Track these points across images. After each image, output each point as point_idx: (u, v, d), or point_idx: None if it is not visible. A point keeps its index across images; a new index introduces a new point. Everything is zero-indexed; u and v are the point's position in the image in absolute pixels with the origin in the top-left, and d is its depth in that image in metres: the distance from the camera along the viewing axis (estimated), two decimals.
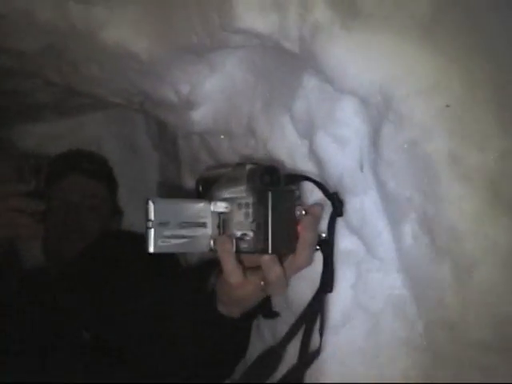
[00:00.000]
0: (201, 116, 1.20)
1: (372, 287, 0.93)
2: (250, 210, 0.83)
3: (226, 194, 0.87)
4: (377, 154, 0.87)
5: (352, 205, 0.93)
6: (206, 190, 0.92)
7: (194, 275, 1.05)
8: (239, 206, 0.85)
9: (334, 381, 0.92)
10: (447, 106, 0.77)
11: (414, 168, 0.80)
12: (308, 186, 0.98)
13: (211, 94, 1.16)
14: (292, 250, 0.84)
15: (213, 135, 1.24)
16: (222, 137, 1.18)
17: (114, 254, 1.38)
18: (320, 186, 0.90)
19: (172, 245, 0.82)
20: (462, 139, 0.77)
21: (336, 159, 0.95)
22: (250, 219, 0.82)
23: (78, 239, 1.48)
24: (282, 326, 1.06)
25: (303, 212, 0.85)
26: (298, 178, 0.90)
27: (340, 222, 0.94)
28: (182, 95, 1.18)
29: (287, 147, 1.05)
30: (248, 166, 0.85)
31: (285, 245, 0.82)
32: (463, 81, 0.77)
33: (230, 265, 0.85)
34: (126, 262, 1.28)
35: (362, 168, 0.95)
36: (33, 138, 1.83)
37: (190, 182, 1.46)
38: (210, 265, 0.97)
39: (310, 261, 0.86)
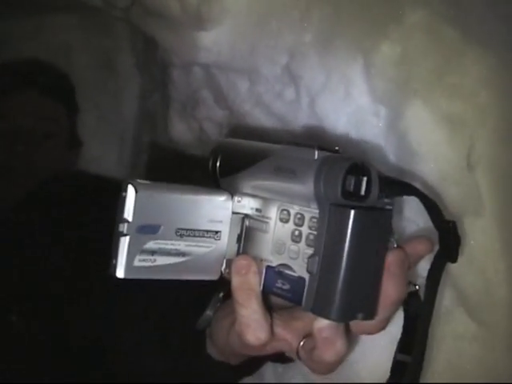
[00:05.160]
0: (213, 40, 0.85)
1: None
2: (306, 230, 0.45)
3: (263, 190, 0.49)
4: None
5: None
6: (226, 172, 0.53)
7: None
8: (284, 214, 0.48)
9: None
10: None
11: None
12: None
13: (233, 7, 0.81)
14: (371, 315, 0.47)
15: (225, 71, 0.89)
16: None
17: (71, 201, 1.05)
18: (430, 205, 0.51)
19: (156, 267, 0.48)
20: None
21: (441, 150, 0.58)
22: (303, 244, 0.46)
23: (27, 176, 1.14)
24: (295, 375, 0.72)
25: (395, 246, 0.48)
26: (395, 186, 0.50)
27: None
28: (190, 5, 0.82)
29: (349, 114, 0.67)
30: (320, 153, 0.46)
31: (362, 306, 0.45)
32: None
33: (249, 312, 0.49)
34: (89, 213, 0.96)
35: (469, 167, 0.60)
36: None
37: (178, 130, 1.10)
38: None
39: (385, 325, 0.50)
